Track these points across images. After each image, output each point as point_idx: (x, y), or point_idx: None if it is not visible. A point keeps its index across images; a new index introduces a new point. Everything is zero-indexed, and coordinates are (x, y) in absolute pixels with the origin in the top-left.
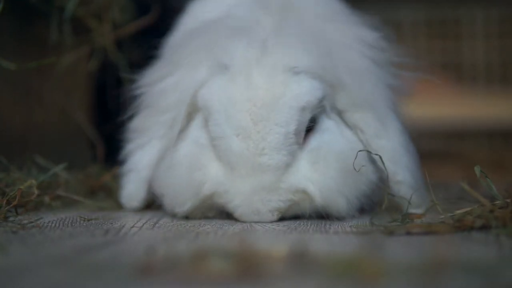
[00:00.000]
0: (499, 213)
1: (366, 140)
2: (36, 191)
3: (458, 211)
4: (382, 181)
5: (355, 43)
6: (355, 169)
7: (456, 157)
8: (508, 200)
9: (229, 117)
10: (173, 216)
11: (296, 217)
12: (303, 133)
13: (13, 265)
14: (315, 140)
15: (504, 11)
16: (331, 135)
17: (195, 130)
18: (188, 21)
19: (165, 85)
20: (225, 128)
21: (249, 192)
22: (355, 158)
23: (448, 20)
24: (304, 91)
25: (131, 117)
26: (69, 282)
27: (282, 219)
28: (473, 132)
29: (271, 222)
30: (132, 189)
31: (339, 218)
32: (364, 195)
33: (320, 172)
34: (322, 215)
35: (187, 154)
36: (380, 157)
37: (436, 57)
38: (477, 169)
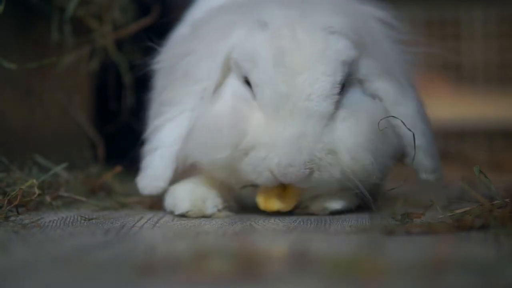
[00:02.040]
0: (498, 213)
1: (385, 108)
2: (37, 191)
3: (458, 211)
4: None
5: (372, 19)
6: (379, 129)
7: (455, 157)
8: (507, 200)
9: (277, 65)
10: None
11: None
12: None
13: (14, 264)
14: (346, 97)
15: (503, 11)
16: (359, 94)
17: (232, 88)
18: (209, 2)
19: (195, 56)
20: (272, 74)
21: (290, 138)
22: (382, 118)
23: (447, 21)
24: (342, 47)
25: (152, 94)
26: (70, 281)
27: (291, 214)
28: (472, 132)
29: (302, 178)
30: (159, 167)
31: (364, 179)
32: (388, 157)
33: (350, 128)
34: (346, 185)
35: (228, 106)
36: (403, 122)
37: (435, 57)
38: (476, 169)
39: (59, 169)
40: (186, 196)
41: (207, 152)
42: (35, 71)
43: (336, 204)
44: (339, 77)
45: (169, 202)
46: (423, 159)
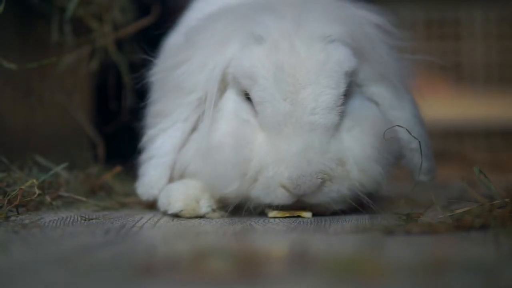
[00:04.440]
0: (498, 213)
1: (382, 112)
2: (37, 191)
3: (457, 211)
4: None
5: (368, 23)
6: (385, 139)
7: (455, 157)
8: (507, 200)
9: (278, 82)
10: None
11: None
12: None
13: (14, 264)
14: (348, 105)
15: (503, 11)
16: (360, 101)
17: (233, 105)
18: (203, 8)
19: (188, 67)
20: (273, 91)
21: (297, 151)
22: (388, 129)
23: (447, 21)
24: (343, 57)
25: (148, 104)
26: (70, 281)
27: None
28: (472, 132)
29: (315, 189)
30: (154, 176)
31: (374, 190)
32: (391, 164)
33: (356, 139)
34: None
35: (230, 131)
36: (408, 130)
37: (435, 57)
38: (476, 169)
39: (59, 169)
40: (179, 195)
41: (216, 185)
42: (35, 71)
43: (338, 205)
44: (342, 89)
45: (163, 201)
46: (419, 161)
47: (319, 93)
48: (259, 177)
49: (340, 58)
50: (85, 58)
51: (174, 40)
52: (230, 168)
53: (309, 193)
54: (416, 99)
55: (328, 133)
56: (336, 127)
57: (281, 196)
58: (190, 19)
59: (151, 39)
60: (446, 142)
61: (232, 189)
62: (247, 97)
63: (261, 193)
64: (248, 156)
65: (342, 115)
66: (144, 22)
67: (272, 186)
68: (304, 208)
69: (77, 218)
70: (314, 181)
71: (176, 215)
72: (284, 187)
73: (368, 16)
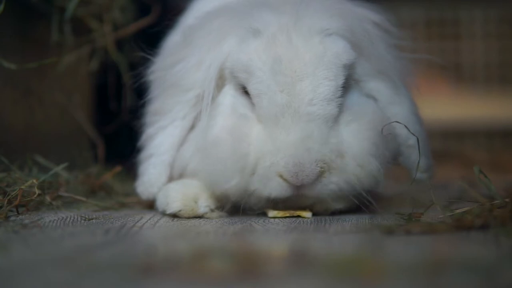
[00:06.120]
0: (498, 213)
1: (380, 108)
2: (37, 191)
3: (457, 211)
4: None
5: (367, 21)
6: (383, 134)
7: (455, 157)
8: (507, 200)
9: (274, 73)
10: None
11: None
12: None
13: (14, 264)
14: (347, 99)
15: (503, 11)
16: (358, 95)
17: (230, 100)
18: (203, 7)
19: (186, 65)
20: (269, 83)
21: (295, 141)
22: (385, 125)
23: (447, 21)
24: (341, 50)
25: (147, 102)
26: (70, 281)
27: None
28: (472, 132)
29: (313, 178)
30: (154, 174)
31: (371, 186)
32: (388, 160)
33: (354, 133)
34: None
35: (226, 126)
36: (406, 127)
37: (435, 57)
38: (476, 169)
39: (59, 169)
40: (178, 195)
41: (216, 182)
42: (35, 71)
43: (337, 204)
44: (341, 81)
45: (161, 201)
46: (416, 158)
47: (317, 84)
48: (257, 168)
49: (338, 50)
50: (85, 58)
51: (173, 39)
52: (229, 164)
53: (307, 182)
54: (414, 97)
55: (328, 124)
56: (335, 120)
57: (278, 187)
58: (189, 18)
59: (151, 39)
60: (446, 142)
61: (232, 184)
62: (245, 91)
63: (259, 184)
64: (246, 150)
65: (341, 108)
66: (144, 22)
67: (269, 176)
68: (304, 208)
69: (77, 218)
70: (312, 170)
71: (174, 215)
72: (281, 176)
73: (367, 14)
